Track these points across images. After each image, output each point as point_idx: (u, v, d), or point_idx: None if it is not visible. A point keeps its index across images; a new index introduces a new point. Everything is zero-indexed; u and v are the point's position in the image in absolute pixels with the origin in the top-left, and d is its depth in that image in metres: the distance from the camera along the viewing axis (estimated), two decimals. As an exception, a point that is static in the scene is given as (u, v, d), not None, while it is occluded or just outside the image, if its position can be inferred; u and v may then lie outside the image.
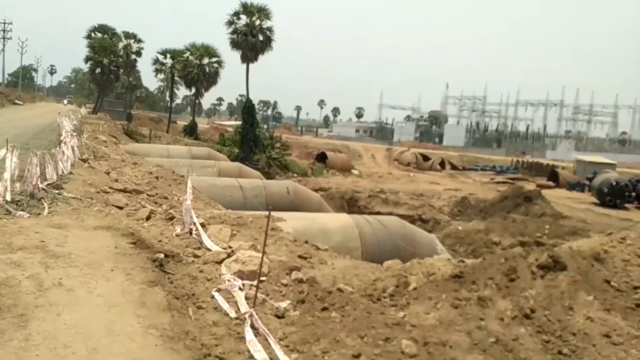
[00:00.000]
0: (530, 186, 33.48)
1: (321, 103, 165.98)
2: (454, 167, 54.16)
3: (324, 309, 6.14)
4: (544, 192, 28.62)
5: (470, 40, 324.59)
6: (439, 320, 5.89)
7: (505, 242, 18.32)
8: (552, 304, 6.16)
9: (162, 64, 54.21)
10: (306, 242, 9.63)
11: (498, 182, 40.92)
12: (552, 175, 43.58)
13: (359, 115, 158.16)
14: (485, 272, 6.94)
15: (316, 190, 24.21)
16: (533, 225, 20.74)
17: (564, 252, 7.33)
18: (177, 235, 8.46)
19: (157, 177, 13.39)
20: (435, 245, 13.77)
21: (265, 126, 73.28)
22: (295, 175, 35.83)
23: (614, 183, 30.70)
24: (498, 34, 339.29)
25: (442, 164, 53.48)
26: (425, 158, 54.02)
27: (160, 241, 8.12)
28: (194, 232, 8.39)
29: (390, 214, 21.06)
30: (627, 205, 30.41)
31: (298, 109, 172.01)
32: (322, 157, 44.17)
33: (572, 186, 38.84)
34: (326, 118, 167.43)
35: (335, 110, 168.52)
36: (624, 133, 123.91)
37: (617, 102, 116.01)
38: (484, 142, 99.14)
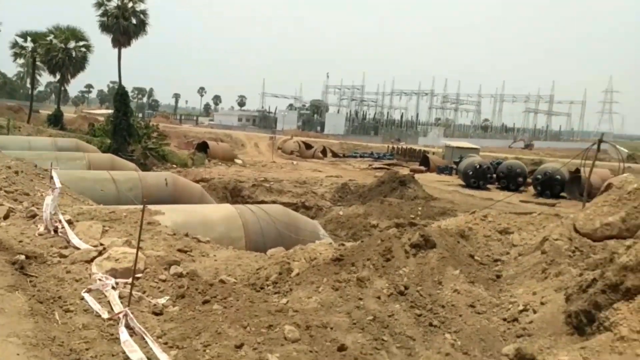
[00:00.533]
0: (404, 171, 35.36)
1: (201, 91, 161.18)
2: (335, 155, 55.58)
3: (206, 302, 5.99)
4: (417, 176, 30.42)
5: (349, 32, 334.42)
6: (320, 304, 6.02)
7: (383, 224, 19.17)
8: (424, 279, 6.57)
9: (22, 47, 48.97)
10: (186, 235, 9.34)
11: (375, 168, 42.73)
12: (424, 160, 46.43)
13: (242, 104, 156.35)
14: (364, 254, 7.21)
15: (197, 181, 23.55)
16: (407, 208, 21.93)
17: (433, 231, 7.83)
18: (40, 235, 7.76)
19: (16, 172, 12.13)
20: (318, 231, 14.08)
21: (140, 115, 69.53)
22: (174, 166, 34.45)
23: (478, 166, 33.48)
24: (373, 27, 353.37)
25: (324, 152, 54.61)
26: (308, 146, 54.77)
27: (20, 242, 7.40)
28: (59, 230, 7.75)
29: (274, 202, 21.11)
30: (489, 186, 33.31)
31: (176, 96, 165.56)
32: (203, 147, 42.92)
33: (442, 170, 41.75)
34: (207, 106, 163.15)
35: (217, 99, 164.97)
36: (486, 120, 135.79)
37: (481, 91, 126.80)
38: (362, 130, 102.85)
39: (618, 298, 5.14)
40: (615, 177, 8.70)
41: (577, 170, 28.67)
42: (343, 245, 8.92)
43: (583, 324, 5.36)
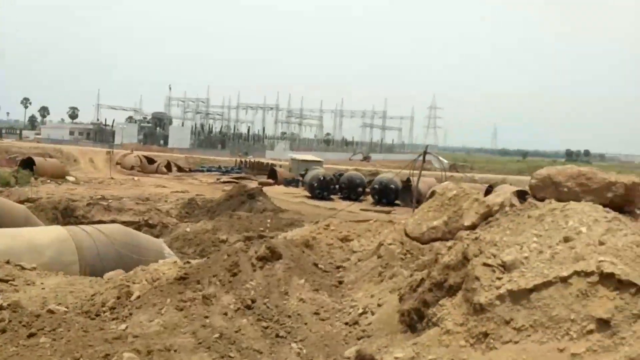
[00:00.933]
0: (253, 184, 35.53)
1: (25, 102, 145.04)
2: (180, 169, 53.77)
3: (31, 335, 5.37)
4: (265, 189, 30.75)
5: (191, 44, 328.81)
6: (163, 326, 5.75)
7: (232, 238, 18.98)
8: (271, 291, 6.63)
9: None
10: (7, 262, 8.34)
11: (224, 182, 42.25)
12: (272, 173, 47.14)
13: (73, 116, 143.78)
14: (210, 270, 7.07)
15: (22, 202, 21.09)
16: (257, 221, 22.02)
17: (279, 243, 7.97)
18: None
19: None
20: (163, 250, 13.49)
21: (-50, 129, 60.62)
22: (-6, 185, 30.52)
23: (322, 178, 34.95)
24: (218, 40, 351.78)
25: (169, 166, 52.55)
26: (151, 161, 52.25)
27: None
28: None
29: (113, 221, 19.75)
30: (332, 196, 34.92)
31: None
32: (28, 163, 38.63)
33: (289, 182, 42.78)
34: (32, 119, 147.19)
35: (44, 110, 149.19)
36: (328, 134, 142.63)
37: (322, 107, 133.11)
38: (209, 144, 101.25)
39: (443, 295, 5.70)
40: (438, 185, 9.69)
41: (409, 180, 31.34)
42: (189, 262, 8.66)
43: (415, 321, 5.84)
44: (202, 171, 54.20)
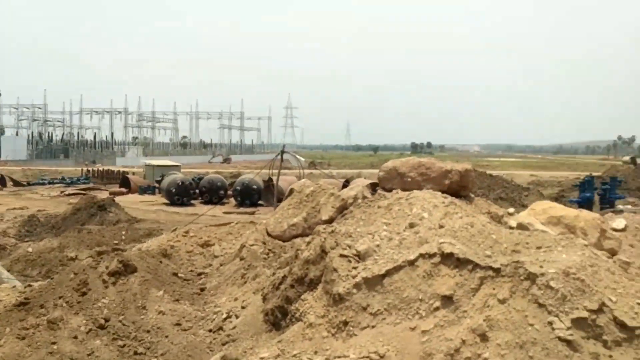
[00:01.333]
0: (103, 195, 33.14)
1: None
2: (17, 184, 48.40)
3: None
4: (118, 198, 28.85)
5: (22, 41, 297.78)
6: (2, 359, 5.12)
7: (83, 255, 17.55)
8: (126, 307, 6.24)
9: None
10: None
11: (69, 195, 38.82)
12: (124, 181, 44.34)
13: None
14: (55, 292, 6.45)
15: None
16: (110, 234, 20.58)
17: (133, 255, 7.53)
18: None
19: None
20: (0, 275, 12.09)
21: None
22: None
23: (180, 183, 33.66)
24: (57, 35, 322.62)
25: (2, 181, 47.10)
26: (-20, 176, 46.50)
27: None
28: None
29: None
30: (193, 201, 33.83)
31: None
32: None
33: (144, 190, 40.57)
34: None
35: None
36: (184, 137, 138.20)
37: (176, 109, 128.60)
38: (49, 154, 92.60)
39: (304, 289, 5.82)
40: (296, 183, 9.88)
41: (270, 179, 31.54)
42: (30, 286, 7.83)
43: (279, 319, 5.89)
44: (43, 184, 49.29)
